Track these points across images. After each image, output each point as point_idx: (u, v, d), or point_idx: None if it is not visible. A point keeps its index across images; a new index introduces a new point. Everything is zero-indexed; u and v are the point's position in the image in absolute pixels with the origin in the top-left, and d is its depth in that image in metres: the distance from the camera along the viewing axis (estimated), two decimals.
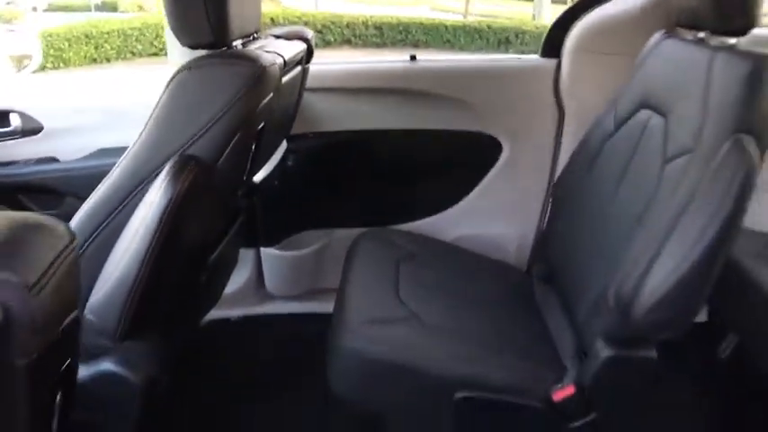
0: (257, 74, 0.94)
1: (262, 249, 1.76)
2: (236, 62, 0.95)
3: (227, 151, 0.94)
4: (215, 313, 1.71)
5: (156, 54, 8.07)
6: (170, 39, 1.42)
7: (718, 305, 1.56)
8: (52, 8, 9.33)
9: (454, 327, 1.22)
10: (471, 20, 9.45)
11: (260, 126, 1.05)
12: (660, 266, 0.96)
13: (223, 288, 1.59)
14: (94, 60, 7.46)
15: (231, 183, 1.12)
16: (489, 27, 9.16)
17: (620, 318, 1.04)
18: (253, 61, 0.95)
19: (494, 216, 1.75)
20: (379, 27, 8.99)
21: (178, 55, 1.34)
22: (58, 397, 0.56)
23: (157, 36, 8.08)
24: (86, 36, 7.42)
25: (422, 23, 9.14)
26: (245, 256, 1.75)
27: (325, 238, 1.79)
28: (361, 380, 1.16)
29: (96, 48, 7.52)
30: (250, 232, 1.65)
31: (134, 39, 7.96)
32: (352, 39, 8.89)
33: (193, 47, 1.00)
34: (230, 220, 1.32)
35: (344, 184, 1.74)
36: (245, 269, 1.78)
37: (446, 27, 9.17)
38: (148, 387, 1.17)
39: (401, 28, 9.05)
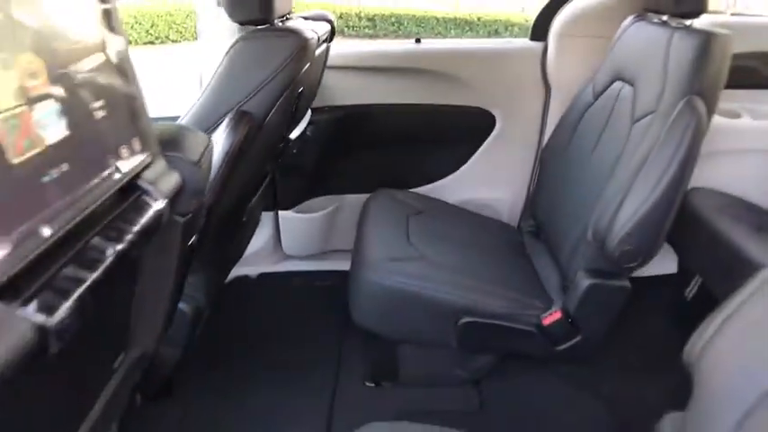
0: (301, 45, 1.14)
1: (280, 212, 1.96)
2: (283, 35, 1.15)
3: (274, 109, 1.14)
4: (236, 271, 1.91)
5: (151, 42, 8.17)
6: (201, 22, 1.61)
7: (686, 253, 1.79)
8: None
9: (457, 265, 1.43)
10: (462, 12, 9.60)
11: (299, 90, 1.24)
12: (628, 205, 1.18)
13: (249, 241, 1.78)
14: None
15: (275, 135, 1.32)
16: (479, 19, 9.35)
17: (597, 251, 1.26)
18: (297, 34, 1.15)
19: (488, 182, 1.96)
20: (371, 18, 9.14)
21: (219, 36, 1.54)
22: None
23: (153, 25, 8.18)
24: None
25: (414, 15, 9.31)
26: (265, 219, 1.94)
27: (337, 202, 1.99)
28: (378, 307, 1.37)
29: None
30: (270, 196, 1.85)
31: (129, 27, 8.04)
32: (345, 29, 9.04)
33: (243, 22, 1.20)
34: (263, 178, 1.52)
35: (356, 154, 1.93)
36: (265, 231, 1.97)
37: (437, 19, 9.35)
38: (195, 317, 1.36)
39: (393, 20, 9.22)
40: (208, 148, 0.66)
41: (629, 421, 1.49)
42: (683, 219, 1.61)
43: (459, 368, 1.53)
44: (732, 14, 2.04)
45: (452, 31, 9.31)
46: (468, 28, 9.29)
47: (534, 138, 1.90)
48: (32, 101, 0.39)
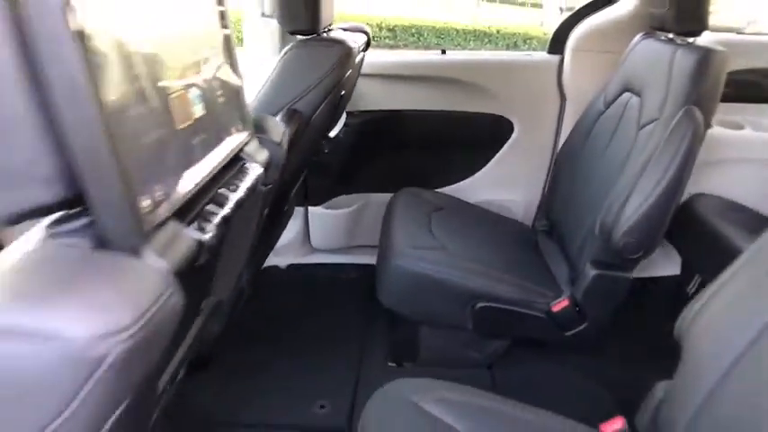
0: (346, 53, 1.30)
1: (309, 208, 2.11)
2: (330, 44, 1.31)
3: (319, 109, 1.30)
4: (267, 261, 2.05)
5: None
6: (247, 31, 1.78)
7: (688, 255, 1.91)
8: None
9: (474, 255, 1.57)
10: (482, 25, 9.71)
11: (341, 94, 1.40)
12: (632, 202, 1.32)
13: (281, 232, 1.93)
14: None
15: (319, 132, 1.48)
16: (498, 32, 9.45)
17: (603, 243, 1.39)
18: (342, 44, 1.31)
19: (505, 184, 2.10)
20: (392, 29, 9.30)
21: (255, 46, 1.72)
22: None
23: None
24: None
25: (434, 27, 9.45)
26: (295, 213, 2.08)
27: (364, 200, 2.14)
28: (402, 290, 1.51)
29: None
30: (301, 193, 2.00)
31: None
32: None
33: (293, 32, 1.36)
34: (302, 173, 1.67)
35: (382, 155, 2.08)
36: (295, 225, 2.12)
37: (457, 31, 9.47)
38: (238, 297, 1.51)
39: (413, 30, 9.37)
40: (285, 133, 0.81)
41: (631, 404, 1.61)
42: (686, 222, 1.74)
43: (474, 351, 1.66)
44: (740, 32, 2.17)
45: (472, 42, 9.41)
46: (487, 40, 9.38)
47: (549, 143, 2.04)
48: (187, 86, 0.54)
